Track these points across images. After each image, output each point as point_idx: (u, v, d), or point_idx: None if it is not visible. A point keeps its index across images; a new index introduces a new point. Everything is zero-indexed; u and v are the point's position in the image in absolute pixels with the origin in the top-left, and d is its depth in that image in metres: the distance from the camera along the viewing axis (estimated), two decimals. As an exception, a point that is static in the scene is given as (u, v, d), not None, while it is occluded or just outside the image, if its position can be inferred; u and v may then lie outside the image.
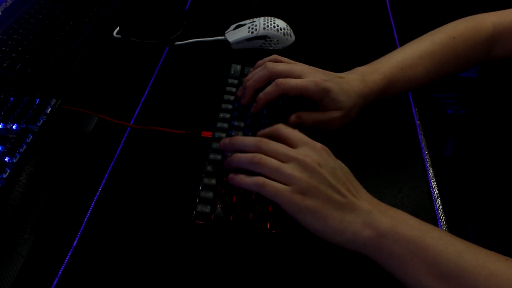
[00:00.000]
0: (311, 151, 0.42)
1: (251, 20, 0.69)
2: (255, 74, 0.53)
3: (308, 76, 0.51)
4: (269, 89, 0.51)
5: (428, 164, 0.53)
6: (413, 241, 0.38)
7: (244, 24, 0.69)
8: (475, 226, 0.80)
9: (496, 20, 0.59)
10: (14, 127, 0.53)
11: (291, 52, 0.68)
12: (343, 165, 0.44)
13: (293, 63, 0.54)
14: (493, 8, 0.61)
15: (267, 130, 0.46)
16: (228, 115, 0.54)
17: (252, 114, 0.54)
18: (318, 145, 0.43)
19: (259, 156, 0.42)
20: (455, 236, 0.38)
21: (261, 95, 0.52)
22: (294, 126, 0.52)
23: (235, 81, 0.59)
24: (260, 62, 0.56)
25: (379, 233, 0.39)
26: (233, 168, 0.45)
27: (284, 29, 0.68)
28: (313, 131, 0.53)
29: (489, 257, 0.36)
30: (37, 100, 0.56)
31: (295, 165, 0.41)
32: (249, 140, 0.44)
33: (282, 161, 0.41)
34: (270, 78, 0.52)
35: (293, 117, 0.52)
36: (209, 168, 0.48)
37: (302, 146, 0.43)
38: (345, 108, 0.52)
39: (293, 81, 0.50)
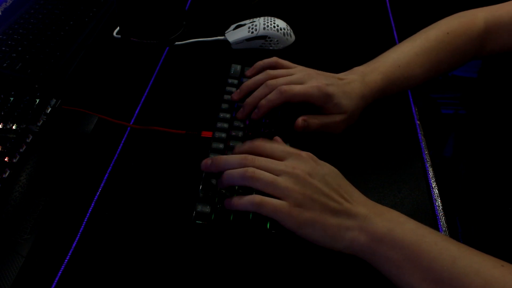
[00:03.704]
0: (298, 162, 0.42)
1: (251, 20, 0.69)
2: (257, 91, 0.52)
3: (310, 81, 0.51)
4: (272, 96, 0.50)
5: (428, 164, 0.53)
6: (409, 246, 0.37)
7: (244, 24, 0.69)
8: (475, 226, 0.80)
9: (487, 15, 0.60)
10: (14, 127, 0.53)
11: (291, 52, 0.68)
12: (332, 168, 0.43)
13: (292, 69, 0.54)
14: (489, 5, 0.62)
15: (247, 146, 0.45)
16: (228, 115, 0.54)
17: (253, 120, 0.52)
18: (303, 153, 0.43)
19: (251, 169, 0.40)
20: (451, 241, 0.38)
21: (263, 101, 0.50)
22: (300, 130, 0.51)
23: (235, 81, 0.59)
24: (260, 63, 0.56)
25: (376, 238, 0.39)
26: (227, 187, 0.44)
27: (284, 29, 0.68)
28: (313, 132, 0.53)
29: (484, 264, 0.36)
30: (37, 100, 0.56)
31: (286, 178, 0.40)
32: (234, 158, 0.43)
33: None
34: None
35: (300, 121, 0.51)
36: (209, 168, 0.48)
37: (288, 158, 0.42)
38: (348, 112, 0.51)
39: (296, 88, 0.50)
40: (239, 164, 0.42)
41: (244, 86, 0.54)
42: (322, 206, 0.39)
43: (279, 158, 0.42)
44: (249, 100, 0.52)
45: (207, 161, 0.44)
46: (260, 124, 0.53)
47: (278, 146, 0.44)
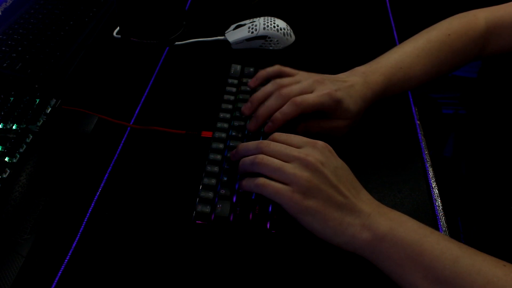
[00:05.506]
0: (313, 150, 0.42)
1: (251, 20, 0.69)
2: (269, 102, 0.49)
3: (319, 88, 0.50)
4: (287, 109, 0.48)
5: (428, 164, 0.53)
6: (410, 245, 0.38)
7: (244, 24, 0.69)
8: (477, 226, 0.80)
9: (488, 16, 0.60)
10: (14, 127, 0.53)
11: (291, 52, 0.68)
12: (344, 164, 0.44)
13: (297, 76, 0.52)
14: (489, 6, 0.62)
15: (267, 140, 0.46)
16: (228, 115, 0.54)
17: (265, 132, 0.50)
18: (320, 143, 0.43)
19: (260, 156, 0.42)
20: (453, 240, 0.38)
21: (278, 115, 0.48)
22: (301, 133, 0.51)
23: (235, 81, 0.59)
24: (263, 73, 0.54)
25: (377, 236, 0.39)
26: (244, 173, 0.45)
27: (284, 29, 0.68)
28: (314, 135, 0.53)
29: (486, 263, 0.36)
30: (37, 100, 0.56)
31: (297, 164, 0.41)
32: (251, 143, 0.45)
33: (285, 162, 0.41)
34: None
35: (300, 127, 0.52)
36: (209, 168, 0.48)
37: (304, 145, 0.43)
38: (353, 116, 0.51)
39: (310, 98, 0.48)
40: (255, 148, 0.44)
41: (255, 98, 0.51)
42: (327, 197, 0.40)
43: (296, 146, 0.43)
44: (262, 111, 0.49)
45: (233, 151, 0.47)
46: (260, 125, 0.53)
47: (295, 135, 0.45)
